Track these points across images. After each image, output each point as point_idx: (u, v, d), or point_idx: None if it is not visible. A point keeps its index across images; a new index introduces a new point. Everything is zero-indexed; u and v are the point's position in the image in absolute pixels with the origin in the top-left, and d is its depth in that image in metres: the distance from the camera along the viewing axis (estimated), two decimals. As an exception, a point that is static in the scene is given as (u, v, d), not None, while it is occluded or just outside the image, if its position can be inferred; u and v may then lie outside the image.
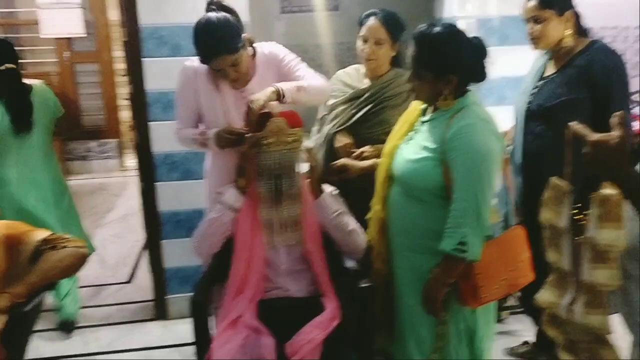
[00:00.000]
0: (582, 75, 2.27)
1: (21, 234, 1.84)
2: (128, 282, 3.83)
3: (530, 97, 2.41)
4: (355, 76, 2.63)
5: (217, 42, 2.08)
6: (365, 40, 2.48)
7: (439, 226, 1.81)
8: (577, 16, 2.35)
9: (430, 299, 1.84)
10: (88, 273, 3.80)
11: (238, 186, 2.12)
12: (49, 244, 1.81)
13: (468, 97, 1.85)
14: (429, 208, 1.86)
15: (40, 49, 6.42)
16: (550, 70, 2.40)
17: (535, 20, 2.33)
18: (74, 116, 6.49)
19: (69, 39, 6.29)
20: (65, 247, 1.81)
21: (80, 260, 1.84)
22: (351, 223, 2.15)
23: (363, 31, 2.48)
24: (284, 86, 2.13)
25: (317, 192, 2.15)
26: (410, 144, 1.92)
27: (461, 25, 3.28)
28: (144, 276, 3.81)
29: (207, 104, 2.28)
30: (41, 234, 1.85)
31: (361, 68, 2.63)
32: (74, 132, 6.41)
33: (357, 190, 2.32)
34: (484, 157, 1.75)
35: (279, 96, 2.13)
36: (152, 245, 3.22)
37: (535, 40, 2.36)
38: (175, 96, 2.40)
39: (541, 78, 2.42)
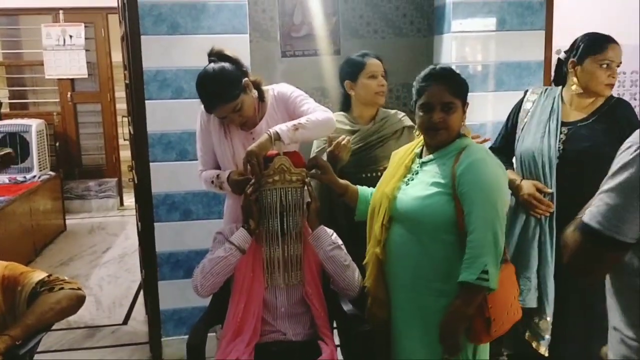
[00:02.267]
0: (623, 126, 2.23)
1: (18, 276, 1.84)
2: (124, 323, 3.77)
3: (560, 143, 2.34)
4: (346, 121, 2.66)
5: (214, 92, 2.16)
6: (374, 77, 2.59)
7: (445, 266, 1.84)
8: None
9: (450, 334, 1.81)
10: (83, 314, 3.78)
11: (248, 228, 2.13)
12: (46, 286, 1.80)
13: (466, 138, 1.95)
14: (435, 247, 1.87)
15: (43, 89, 6.52)
16: (577, 115, 2.37)
17: (618, 65, 2.32)
18: (74, 155, 6.54)
19: (71, 79, 6.39)
20: (62, 288, 1.80)
21: (77, 302, 1.83)
22: (347, 258, 2.15)
23: (372, 68, 2.60)
24: (280, 129, 2.13)
25: (315, 224, 2.15)
26: (413, 183, 1.94)
27: (458, 71, 3.36)
28: (140, 318, 3.78)
29: (218, 145, 2.33)
30: (38, 276, 1.84)
31: (346, 114, 2.69)
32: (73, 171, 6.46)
33: (349, 237, 2.32)
34: (498, 188, 1.83)
35: (274, 141, 2.12)
36: (149, 287, 3.19)
37: (611, 87, 2.34)
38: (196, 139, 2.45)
39: (563, 123, 2.37)
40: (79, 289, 1.85)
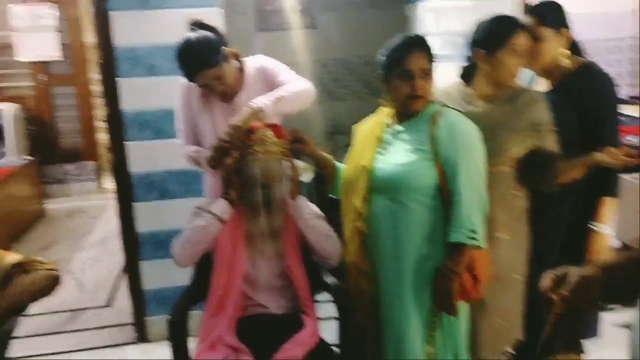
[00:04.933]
0: (571, 98, 2.17)
1: (-8, 259, 1.81)
2: (107, 305, 3.76)
3: None
4: (457, 97, 2.15)
5: (196, 58, 2.14)
6: (517, 54, 2.07)
7: (430, 230, 1.88)
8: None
9: (444, 294, 1.86)
10: (65, 297, 3.75)
11: (228, 198, 2.11)
12: (19, 268, 1.78)
13: (435, 104, 1.96)
14: (420, 212, 1.89)
15: (15, 72, 6.37)
16: (540, 88, 2.30)
17: (531, 37, 2.13)
18: (50, 139, 6.43)
19: (44, 62, 6.24)
20: (36, 269, 1.78)
21: (52, 283, 1.81)
22: (328, 227, 2.15)
23: (518, 41, 2.04)
24: (262, 101, 2.13)
25: (295, 194, 2.14)
26: (390, 152, 1.95)
27: (436, 41, 3.34)
28: (124, 299, 3.76)
29: (198, 117, 2.33)
30: (12, 258, 1.81)
31: (462, 88, 2.17)
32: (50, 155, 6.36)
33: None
34: (479, 149, 1.89)
35: (257, 113, 2.11)
36: (131, 267, 3.18)
37: (529, 60, 2.16)
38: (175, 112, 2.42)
39: None
40: (53, 269, 1.83)
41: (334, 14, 4.42)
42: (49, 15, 6.03)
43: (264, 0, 4.22)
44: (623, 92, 5.15)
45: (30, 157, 5.79)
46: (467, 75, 2.16)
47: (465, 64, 2.17)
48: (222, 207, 2.10)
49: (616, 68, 4.82)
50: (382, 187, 1.95)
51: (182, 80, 2.28)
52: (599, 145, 2.11)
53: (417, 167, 1.88)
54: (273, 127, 2.12)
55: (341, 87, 4.54)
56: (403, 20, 3.71)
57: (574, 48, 2.29)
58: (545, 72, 2.29)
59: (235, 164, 2.08)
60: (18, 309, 1.76)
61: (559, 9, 2.25)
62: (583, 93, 2.18)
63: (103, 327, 3.45)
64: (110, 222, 5.43)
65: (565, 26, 2.23)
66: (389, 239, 1.95)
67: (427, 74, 1.89)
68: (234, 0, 3.99)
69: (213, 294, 2.09)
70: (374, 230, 1.99)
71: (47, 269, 1.81)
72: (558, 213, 2.25)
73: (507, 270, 2.07)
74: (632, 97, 4.46)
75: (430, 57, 1.91)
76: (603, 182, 2.19)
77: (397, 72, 1.90)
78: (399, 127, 1.97)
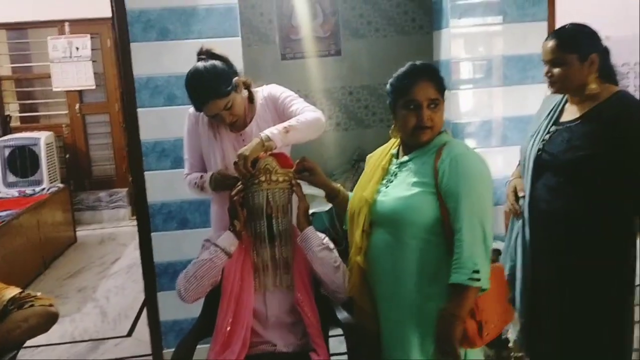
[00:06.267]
0: (609, 131, 1.99)
1: (-9, 293, 1.79)
2: (128, 335, 3.73)
3: (541, 143, 2.15)
4: None
5: (206, 88, 2.11)
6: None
7: (432, 268, 1.76)
8: (604, 57, 2.09)
9: (447, 338, 1.71)
10: (88, 326, 3.75)
11: (234, 230, 2.05)
12: (16, 303, 1.75)
13: (445, 135, 1.86)
14: (421, 249, 1.78)
15: (52, 102, 6.55)
16: (569, 115, 2.14)
17: (554, 63, 2.09)
18: (84, 167, 6.55)
19: (79, 91, 6.40)
20: (32, 305, 1.74)
21: (47, 319, 1.77)
22: (337, 259, 2.06)
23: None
24: (271, 132, 2.08)
25: (303, 225, 2.07)
26: (393, 185, 1.86)
27: (465, 66, 3.25)
28: (145, 329, 3.72)
29: (206, 147, 2.29)
30: (10, 293, 1.79)
31: None
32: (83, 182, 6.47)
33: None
34: (482, 182, 1.76)
35: (265, 144, 2.06)
36: (150, 298, 3.14)
37: (554, 85, 2.12)
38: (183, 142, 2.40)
39: (555, 122, 2.17)
40: (50, 305, 1.79)
41: (360, 41, 4.39)
42: (84, 45, 6.19)
43: (288, 29, 4.22)
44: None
45: (63, 185, 5.88)
46: None
47: None
48: (228, 240, 2.04)
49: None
50: (382, 221, 1.86)
51: (190, 109, 2.25)
52: None
53: (417, 201, 1.77)
54: (278, 156, 2.06)
55: (368, 114, 4.47)
56: (430, 47, 3.64)
57: (607, 74, 2.13)
58: (572, 97, 2.16)
59: (238, 194, 2.03)
60: (12, 345, 1.72)
61: (587, 34, 2.10)
62: (620, 122, 1.99)
63: (123, 359, 3.41)
64: (137, 250, 5.44)
65: (595, 52, 2.07)
66: (387, 276, 1.85)
67: (435, 104, 1.80)
68: (258, 31, 3.99)
69: (219, 329, 2.02)
70: (373, 266, 1.89)
71: (43, 305, 1.77)
72: None
73: None
74: None
75: (438, 87, 1.81)
76: None
77: (402, 102, 1.82)
78: (405, 158, 1.87)
